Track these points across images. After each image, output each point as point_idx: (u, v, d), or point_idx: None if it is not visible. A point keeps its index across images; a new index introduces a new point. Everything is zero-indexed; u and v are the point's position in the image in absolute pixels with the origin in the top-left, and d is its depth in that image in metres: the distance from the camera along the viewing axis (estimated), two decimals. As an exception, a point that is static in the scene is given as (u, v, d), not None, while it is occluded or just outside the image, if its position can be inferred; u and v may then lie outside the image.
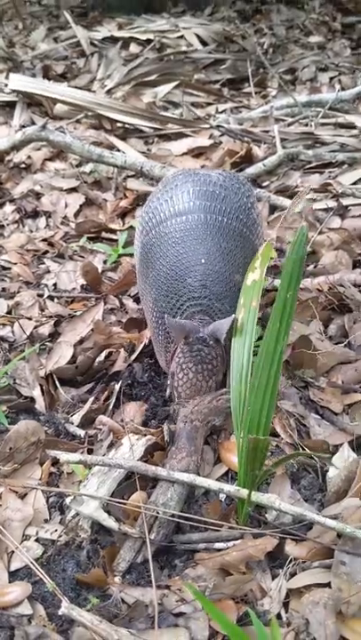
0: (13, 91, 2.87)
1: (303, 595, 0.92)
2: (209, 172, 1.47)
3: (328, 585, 0.93)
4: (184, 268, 1.25)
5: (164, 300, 1.25)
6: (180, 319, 1.20)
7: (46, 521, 1.07)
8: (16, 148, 2.39)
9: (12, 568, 0.99)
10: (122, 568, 0.98)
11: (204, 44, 4.13)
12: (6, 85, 3.06)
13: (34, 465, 1.18)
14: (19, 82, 2.81)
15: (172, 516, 1.01)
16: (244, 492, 0.99)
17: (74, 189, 2.31)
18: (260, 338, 1.18)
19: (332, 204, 2.02)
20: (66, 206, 2.24)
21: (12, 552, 1.01)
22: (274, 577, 0.97)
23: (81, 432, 1.25)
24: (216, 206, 1.33)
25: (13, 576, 0.98)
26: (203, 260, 1.24)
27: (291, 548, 0.99)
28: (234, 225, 1.33)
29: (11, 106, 2.95)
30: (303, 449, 1.14)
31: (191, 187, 1.38)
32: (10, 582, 0.96)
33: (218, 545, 1.00)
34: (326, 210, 2.00)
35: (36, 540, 1.03)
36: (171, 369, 1.20)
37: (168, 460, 1.09)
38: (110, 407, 1.31)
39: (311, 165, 2.31)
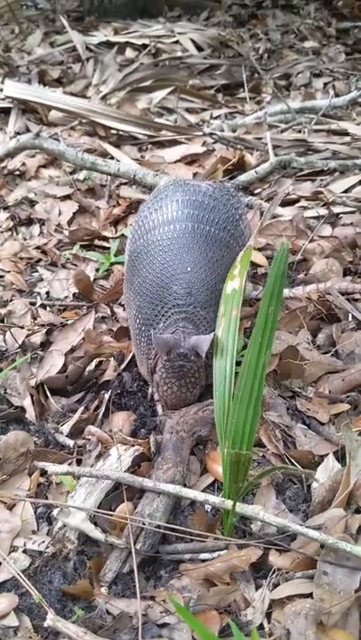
0: (8, 97, 2.88)
1: (286, 605, 0.93)
2: (199, 183, 1.48)
3: (310, 595, 0.94)
4: (170, 275, 1.26)
5: (149, 307, 1.26)
6: (162, 330, 1.21)
7: (34, 532, 1.09)
8: (10, 155, 2.40)
9: (0, 580, 1.00)
10: (108, 578, 1.00)
11: (199, 49, 4.14)
12: (1, 91, 3.07)
13: (23, 475, 1.19)
14: (13, 88, 2.82)
15: (158, 526, 1.02)
16: (228, 504, 1.00)
17: (68, 197, 2.32)
18: (246, 347, 1.19)
19: (323, 211, 2.03)
20: (59, 214, 2.25)
21: (0, 563, 1.02)
22: (258, 587, 0.99)
23: (70, 442, 1.26)
24: (204, 216, 1.35)
25: (0, 588, 0.99)
26: (189, 269, 1.26)
27: (275, 559, 1.00)
28: (221, 235, 1.35)
29: (5, 112, 2.96)
30: (289, 459, 1.15)
31: (180, 196, 1.39)
32: (-4, 594, 0.97)
33: (203, 555, 1.02)
34: (317, 218, 2.01)
35: (24, 552, 1.05)
36: (155, 379, 1.22)
37: (154, 470, 1.10)
38: (99, 417, 1.32)
39: (303, 173, 2.32)
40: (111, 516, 1.05)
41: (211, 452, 1.18)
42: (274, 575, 0.98)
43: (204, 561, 1.01)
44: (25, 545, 1.05)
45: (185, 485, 1.11)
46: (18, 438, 1.24)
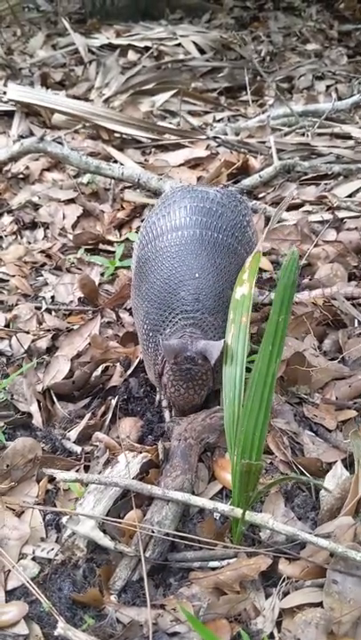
0: (11, 100, 2.88)
1: (296, 614, 0.93)
2: (207, 189, 1.48)
3: (320, 604, 0.94)
4: (178, 281, 1.27)
5: (157, 312, 1.26)
6: (169, 336, 1.22)
7: (43, 539, 1.09)
8: (14, 158, 2.40)
9: (9, 587, 1.00)
10: (118, 587, 1.00)
11: (201, 51, 4.15)
12: (4, 94, 3.08)
13: (31, 482, 1.19)
14: (17, 92, 2.82)
15: (167, 534, 1.02)
16: (238, 512, 1.00)
17: (72, 200, 2.32)
18: (254, 352, 1.20)
19: (327, 216, 2.03)
20: (64, 217, 2.25)
21: (9, 571, 1.02)
22: (267, 596, 0.99)
23: (77, 448, 1.26)
24: (212, 223, 1.35)
25: (10, 595, 0.99)
26: (197, 275, 1.26)
27: (284, 567, 1.00)
28: (229, 242, 1.35)
29: (9, 115, 2.96)
30: (297, 467, 1.15)
31: (188, 203, 1.40)
32: (7, 602, 0.97)
33: (212, 563, 1.02)
34: (322, 222, 2.02)
35: (33, 559, 1.05)
36: (163, 382, 1.22)
37: (163, 477, 1.10)
38: (107, 423, 1.32)
39: (307, 177, 2.33)
40: (120, 523, 1.05)
41: (219, 460, 1.18)
42: (284, 584, 0.98)
43: (213, 569, 1.01)
44: (34, 552, 1.05)
45: (193, 493, 1.11)
46: (25, 445, 1.23)
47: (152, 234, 1.39)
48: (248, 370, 1.08)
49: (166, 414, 1.28)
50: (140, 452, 1.18)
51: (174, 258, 1.30)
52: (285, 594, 0.98)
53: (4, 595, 0.98)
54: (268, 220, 2.09)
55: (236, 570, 0.98)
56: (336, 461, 1.15)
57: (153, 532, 1.01)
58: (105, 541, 1.02)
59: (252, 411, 0.94)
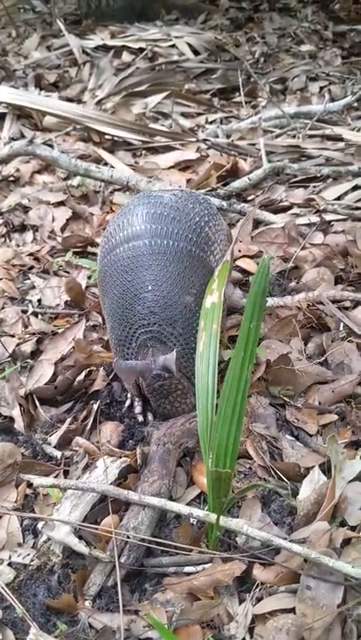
0: (2, 103, 2.89)
1: (268, 620, 0.94)
2: (162, 194, 1.45)
3: (293, 610, 0.94)
4: (133, 295, 1.26)
5: (119, 328, 1.26)
6: (135, 350, 1.22)
7: (20, 545, 1.09)
8: (3, 161, 2.40)
9: (-16, 592, 1.00)
10: (92, 592, 1.00)
11: (195, 52, 4.15)
12: (-3, 96, 3.08)
13: (10, 487, 1.20)
14: (8, 94, 2.82)
15: (143, 539, 1.02)
16: (213, 517, 1.01)
17: (61, 203, 2.32)
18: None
19: (314, 219, 2.03)
20: (53, 220, 2.25)
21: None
22: (241, 601, 0.99)
23: (58, 453, 1.26)
24: (163, 229, 1.33)
25: (-15, 600, 0.99)
26: (150, 287, 1.25)
27: (258, 573, 1.00)
28: (182, 246, 1.32)
29: (0, 117, 2.96)
30: (275, 471, 1.15)
31: (141, 210, 1.37)
32: (-20, 607, 0.97)
33: (188, 569, 1.02)
34: (309, 225, 2.01)
35: (9, 565, 1.05)
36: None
37: (140, 482, 1.10)
38: (88, 427, 1.32)
39: (297, 179, 2.33)
40: (96, 529, 1.05)
41: (197, 464, 1.18)
42: (257, 589, 0.99)
43: (188, 574, 1.01)
44: (10, 558, 1.06)
45: (171, 498, 1.11)
46: (5, 450, 1.24)
47: (108, 246, 1.38)
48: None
49: (140, 419, 1.28)
50: (120, 457, 1.18)
51: (127, 272, 1.29)
52: (259, 599, 0.98)
53: (-21, 600, 0.99)
54: (256, 223, 2.09)
55: (211, 575, 0.98)
56: (314, 466, 1.15)
57: (128, 537, 1.02)
58: (80, 547, 1.02)
59: (225, 417, 0.94)
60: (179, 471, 1.18)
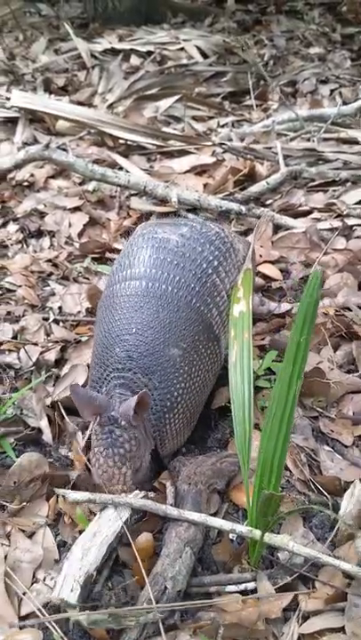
0: (15, 107, 2.87)
1: (317, 639, 0.91)
2: (170, 236, 1.31)
3: (342, 629, 0.92)
4: (115, 336, 1.16)
5: (95, 367, 1.18)
6: (105, 394, 1.12)
7: (57, 561, 1.06)
8: (18, 166, 2.38)
9: (23, 612, 0.97)
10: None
11: (204, 55, 4.13)
12: (8, 99, 3.06)
13: (41, 501, 1.17)
14: (21, 98, 2.81)
15: (179, 591, 0.95)
16: (256, 533, 0.98)
17: (77, 208, 2.30)
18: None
19: (336, 223, 2.01)
20: (70, 226, 2.23)
21: (24, 594, 1.00)
22: (286, 619, 0.96)
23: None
24: (163, 274, 1.22)
25: (25, 621, 0.97)
26: (134, 330, 1.15)
27: (302, 594, 0.97)
28: (180, 294, 1.20)
29: (12, 122, 2.94)
30: (315, 485, 1.13)
31: (144, 253, 1.27)
32: (21, 628, 0.95)
33: (230, 588, 0.99)
34: (331, 230, 1.99)
35: (45, 583, 1.02)
36: None
37: (174, 526, 1.03)
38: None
39: (315, 183, 2.31)
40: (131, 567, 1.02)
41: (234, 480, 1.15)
42: (302, 608, 0.96)
43: (231, 593, 0.98)
44: (49, 575, 1.03)
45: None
46: (31, 460, 1.20)
47: (109, 280, 1.32)
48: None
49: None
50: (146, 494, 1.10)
51: (117, 310, 1.20)
52: (305, 618, 0.95)
53: (18, 621, 0.96)
54: (275, 227, 2.07)
55: (257, 608, 0.94)
56: (354, 480, 1.12)
57: (166, 587, 0.95)
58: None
59: (271, 432, 0.92)
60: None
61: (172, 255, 1.26)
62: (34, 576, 1.03)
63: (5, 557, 1.05)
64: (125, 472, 1.06)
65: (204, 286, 1.24)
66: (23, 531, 1.11)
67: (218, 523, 1.02)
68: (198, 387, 1.18)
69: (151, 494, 1.08)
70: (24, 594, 0.99)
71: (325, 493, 1.12)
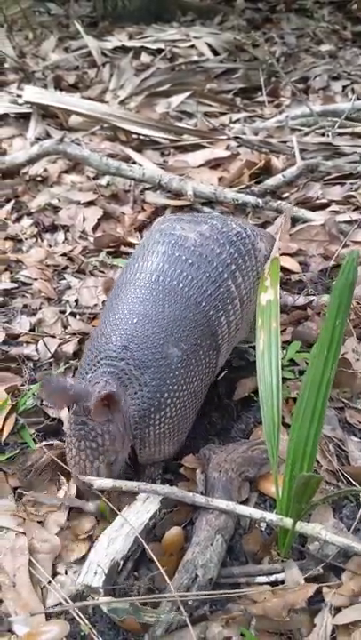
0: (27, 102, 2.86)
1: (353, 631, 0.89)
2: (188, 234, 1.24)
3: (377, 622, 0.89)
4: (114, 324, 1.10)
5: (87, 353, 1.11)
6: (90, 381, 1.03)
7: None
8: (32, 161, 2.37)
9: (49, 604, 0.95)
10: (158, 633, 0.92)
11: (215, 52, 4.12)
12: (19, 96, 3.05)
13: (59, 491, 1.15)
14: (33, 94, 2.80)
15: (210, 579, 0.94)
16: (287, 522, 0.96)
17: (91, 203, 2.29)
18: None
19: (355, 216, 1.99)
20: (84, 220, 2.21)
21: (48, 584, 0.98)
22: (316, 611, 0.94)
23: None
24: (176, 271, 1.16)
25: (50, 612, 0.95)
26: (135, 320, 1.09)
27: (330, 586, 0.95)
28: (191, 294, 1.14)
29: (25, 117, 2.93)
30: (343, 475, 1.11)
31: (161, 248, 1.22)
32: (47, 619, 0.93)
33: (260, 579, 0.97)
34: (350, 222, 1.97)
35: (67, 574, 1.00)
36: None
37: (204, 513, 1.01)
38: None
39: (331, 177, 2.28)
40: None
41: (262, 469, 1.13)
42: (332, 599, 0.94)
43: (261, 584, 0.96)
44: (71, 568, 1.01)
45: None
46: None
47: (123, 271, 1.27)
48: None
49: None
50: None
51: (122, 299, 1.15)
52: (337, 609, 0.93)
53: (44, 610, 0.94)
54: (293, 220, 2.05)
55: (283, 597, 0.92)
56: (384, 470, 1.10)
57: (197, 575, 0.93)
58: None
59: (303, 419, 0.89)
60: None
61: (188, 253, 1.19)
62: (54, 567, 1.01)
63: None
64: (98, 466, 1.01)
65: (217, 291, 1.17)
66: (40, 522, 1.09)
67: (247, 511, 1.00)
68: (190, 394, 1.10)
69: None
70: (49, 583, 0.97)
71: (355, 484, 1.09)
